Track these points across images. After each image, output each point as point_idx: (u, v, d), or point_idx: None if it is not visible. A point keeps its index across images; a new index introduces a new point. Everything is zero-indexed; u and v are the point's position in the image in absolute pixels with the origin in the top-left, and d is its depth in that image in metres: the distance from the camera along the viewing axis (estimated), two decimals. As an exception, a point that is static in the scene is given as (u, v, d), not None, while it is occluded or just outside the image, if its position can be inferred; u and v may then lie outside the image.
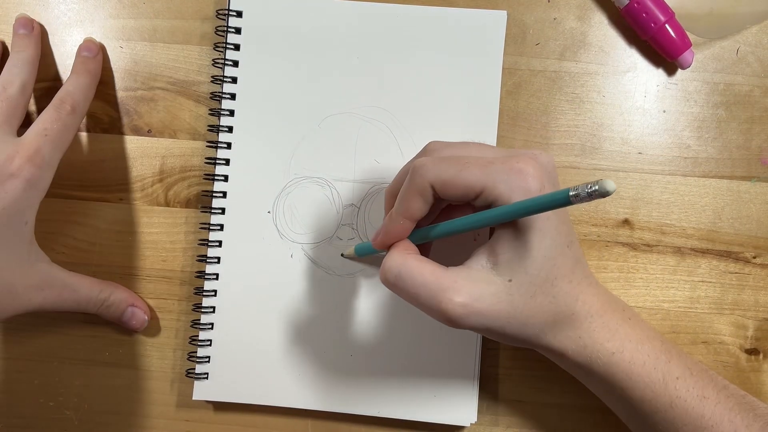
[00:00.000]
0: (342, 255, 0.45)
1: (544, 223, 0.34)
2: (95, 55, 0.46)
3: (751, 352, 0.45)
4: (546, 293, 0.34)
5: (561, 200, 0.29)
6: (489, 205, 0.34)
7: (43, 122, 0.42)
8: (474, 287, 0.34)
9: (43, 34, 0.47)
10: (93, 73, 0.45)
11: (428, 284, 0.34)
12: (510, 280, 0.34)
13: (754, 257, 0.45)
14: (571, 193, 0.28)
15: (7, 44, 0.47)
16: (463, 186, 0.34)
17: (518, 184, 0.33)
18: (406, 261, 0.35)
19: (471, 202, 0.35)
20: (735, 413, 0.35)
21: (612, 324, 0.36)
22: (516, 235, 0.34)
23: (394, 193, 0.38)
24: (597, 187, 0.26)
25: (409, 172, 0.36)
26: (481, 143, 0.37)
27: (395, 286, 0.35)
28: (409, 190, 0.35)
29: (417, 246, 0.37)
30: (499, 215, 0.33)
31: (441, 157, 0.36)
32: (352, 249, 0.44)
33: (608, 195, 0.26)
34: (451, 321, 0.33)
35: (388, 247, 0.37)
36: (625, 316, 0.37)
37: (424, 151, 0.38)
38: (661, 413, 0.36)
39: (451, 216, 0.38)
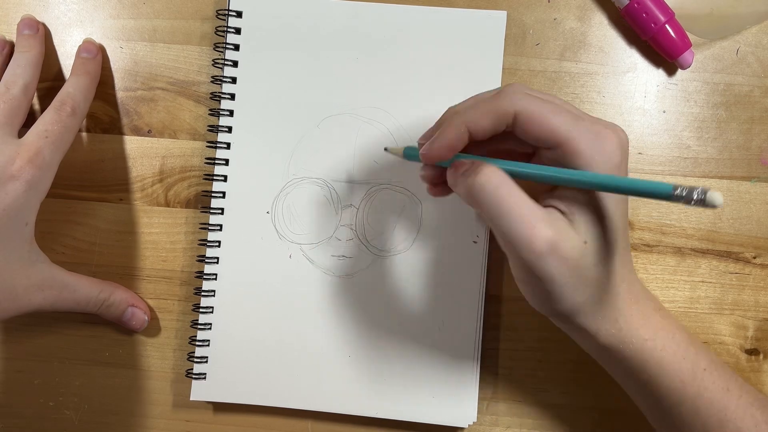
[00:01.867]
0: (385, 149, 0.43)
1: (619, 201, 0.34)
2: (95, 56, 0.46)
3: (751, 352, 0.45)
4: (604, 266, 0.34)
5: (661, 193, 0.28)
6: (563, 158, 0.33)
7: (44, 124, 0.42)
8: (563, 230, 0.32)
9: (47, 35, 0.47)
10: (92, 74, 0.46)
11: (522, 210, 0.31)
12: (585, 242, 0.33)
13: (754, 257, 0.45)
14: (675, 192, 0.27)
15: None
16: (549, 128, 0.33)
17: (604, 148, 0.32)
18: (506, 179, 0.32)
19: (544, 151, 0.34)
20: (755, 408, 0.36)
21: (647, 311, 0.36)
22: (596, 200, 0.33)
23: (458, 111, 0.35)
24: (705, 197, 0.26)
25: (496, 91, 0.34)
26: (571, 104, 0.36)
27: (487, 201, 0.32)
28: (490, 105, 0.33)
29: None
30: (597, 182, 0.32)
31: (536, 94, 0.34)
32: (399, 148, 0.41)
33: (714, 208, 0.26)
34: (531, 253, 0.31)
35: (435, 160, 0.35)
36: (657, 306, 0.37)
37: (515, 82, 0.36)
38: (689, 403, 0.36)
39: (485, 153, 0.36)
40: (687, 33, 0.44)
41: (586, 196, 0.33)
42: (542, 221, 0.32)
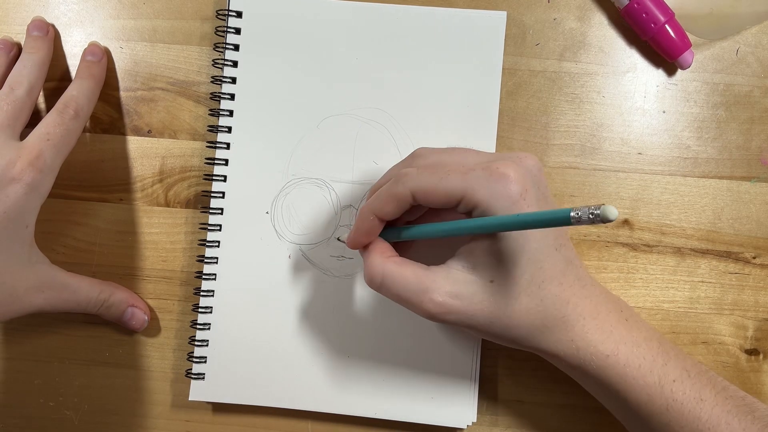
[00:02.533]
0: (338, 239, 0.45)
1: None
2: (100, 59, 0.46)
3: (751, 352, 0.45)
4: (532, 296, 0.34)
5: (561, 220, 0.29)
6: (470, 211, 0.34)
7: (46, 126, 0.42)
8: (452, 287, 0.35)
9: (56, 37, 0.47)
10: (97, 78, 0.45)
11: (409, 285, 0.35)
12: (492, 281, 0.34)
13: (754, 257, 0.45)
14: (572, 214, 0.28)
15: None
16: (444, 194, 0.34)
17: (499, 189, 0.33)
18: (386, 265, 0.36)
19: (454, 209, 0.35)
20: (733, 415, 0.35)
21: (606, 326, 0.36)
22: (497, 239, 0.34)
23: (366, 204, 0.39)
24: (599, 212, 0.26)
25: (393, 177, 0.36)
26: (468, 149, 0.38)
27: (381, 289, 0.37)
28: (388, 193, 0.36)
29: (397, 243, 0.38)
30: (487, 225, 0.33)
31: (425, 164, 0.36)
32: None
33: (610, 222, 0.26)
34: (433, 317, 0.35)
35: (363, 247, 0.38)
36: (623, 317, 0.37)
37: (411, 157, 0.39)
38: (657, 416, 0.36)
39: (437, 216, 0.38)
40: (687, 33, 0.44)
41: (488, 239, 0.34)
42: (428, 291, 0.35)
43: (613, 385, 0.36)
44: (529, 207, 0.33)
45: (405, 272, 0.35)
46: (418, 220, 0.40)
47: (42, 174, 0.41)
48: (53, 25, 0.47)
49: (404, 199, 0.35)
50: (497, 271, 0.34)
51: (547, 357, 0.37)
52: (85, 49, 0.46)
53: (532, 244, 0.34)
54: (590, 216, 0.27)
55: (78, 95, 0.44)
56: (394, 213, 0.36)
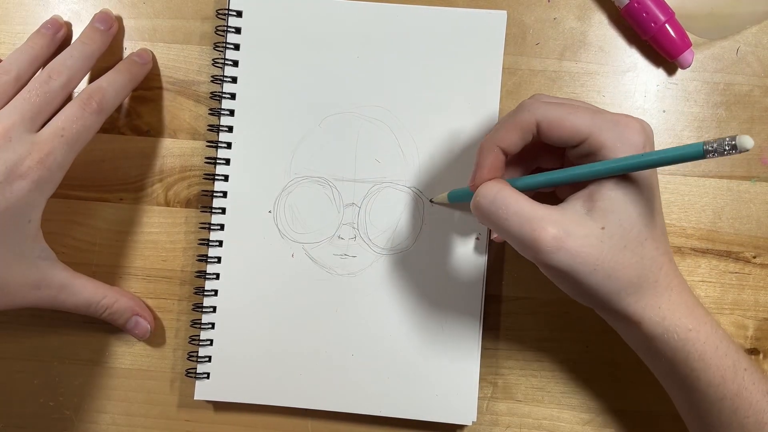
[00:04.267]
0: (431, 201, 0.44)
1: (647, 180, 0.34)
2: (145, 63, 0.45)
3: (751, 352, 0.45)
4: (634, 251, 0.34)
5: (694, 154, 0.28)
6: (590, 153, 0.34)
7: (63, 120, 0.41)
8: (568, 224, 0.33)
9: (118, 32, 0.46)
10: (134, 76, 0.45)
11: (523, 212, 0.33)
12: (603, 228, 0.33)
13: (754, 257, 0.45)
14: (705, 147, 0.27)
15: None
16: (571, 128, 0.34)
17: (626, 135, 0.33)
18: (503, 188, 0.35)
19: (572, 151, 0.35)
20: None
21: (689, 302, 0.36)
22: (617, 185, 0.34)
23: (487, 137, 0.37)
24: (735, 143, 0.26)
25: (515, 110, 0.36)
26: (588, 102, 0.38)
27: (488, 211, 0.34)
28: (512, 122, 0.35)
29: None
30: (623, 165, 0.33)
31: (550, 100, 0.36)
32: (444, 195, 0.43)
33: (746, 151, 0.26)
34: (540, 252, 0.33)
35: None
36: (697, 300, 0.37)
37: (531, 98, 0.38)
38: (728, 400, 0.36)
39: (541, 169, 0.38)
40: (687, 33, 0.44)
41: (609, 184, 0.34)
42: (543, 220, 0.33)
43: (690, 362, 0.36)
44: None
45: (520, 198, 0.34)
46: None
47: (50, 171, 0.40)
48: (120, 19, 0.47)
49: (528, 127, 0.35)
50: (610, 217, 0.34)
51: (626, 323, 0.36)
52: (133, 52, 0.46)
53: (645, 198, 0.34)
54: (727, 146, 0.26)
55: (107, 88, 0.43)
56: (518, 144, 0.35)
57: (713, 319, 0.37)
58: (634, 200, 0.34)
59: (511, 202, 0.34)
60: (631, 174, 0.34)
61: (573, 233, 0.33)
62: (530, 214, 0.33)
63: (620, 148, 0.33)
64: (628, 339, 0.38)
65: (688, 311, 0.36)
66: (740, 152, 0.26)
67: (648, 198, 0.34)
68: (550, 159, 0.39)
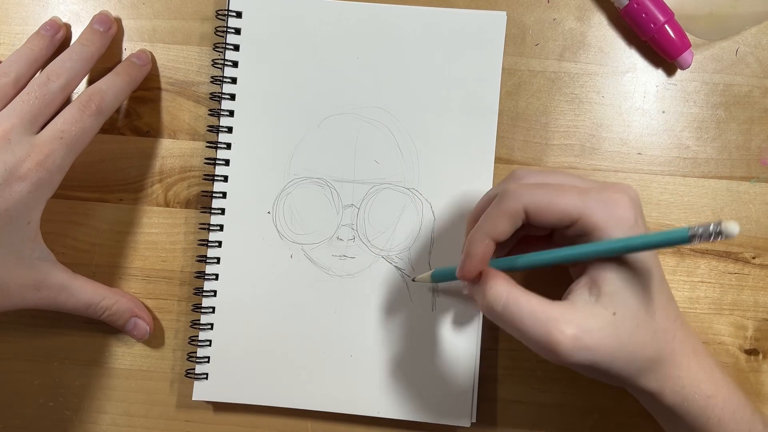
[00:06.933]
0: (413, 280, 0.44)
1: (646, 255, 0.34)
2: (144, 65, 0.45)
3: (751, 352, 0.45)
4: (647, 327, 0.34)
5: (679, 240, 0.28)
6: (582, 234, 0.34)
7: (62, 123, 0.41)
8: (583, 320, 0.33)
9: (117, 34, 0.46)
10: (133, 79, 0.45)
11: (537, 315, 0.32)
12: (614, 314, 0.33)
13: (754, 257, 0.45)
14: (690, 233, 0.27)
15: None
16: (560, 212, 0.33)
17: (617, 214, 0.33)
18: (512, 290, 0.34)
19: (562, 231, 0.35)
20: None
21: (707, 366, 0.36)
22: (619, 267, 0.33)
23: (476, 219, 0.37)
24: (721, 229, 0.26)
25: (497, 196, 0.35)
26: (567, 172, 0.38)
27: (502, 315, 0.34)
28: (500, 211, 0.34)
29: None
30: (611, 249, 0.33)
31: (534, 183, 0.35)
32: (427, 274, 0.43)
33: (732, 237, 0.26)
34: (559, 354, 0.32)
35: (474, 276, 0.36)
36: (715, 361, 0.37)
37: (511, 177, 0.37)
38: None
39: (527, 250, 0.37)
40: (686, 33, 0.44)
41: (609, 266, 0.34)
42: (558, 320, 0.32)
43: (709, 427, 0.35)
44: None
45: (531, 299, 0.33)
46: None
47: (50, 174, 0.40)
48: (119, 21, 0.47)
49: (517, 215, 0.34)
50: (619, 301, 0.33)
51: (647, 396, 0.36)
52: (132, 53, 0.46)
53: (648, 273, 0.34)
54: (711, 233, 0.26)
55: (106, 90, 0.43)
56: (508, 231, 0.35)
57: (730, 380, 0.37)
58: (636, 277, 0.34)
59: (522, 303, 0.33)
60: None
61: (589, 328, 0.32)
62: (544, 315, 0.32)
63: (613, 227, 0.33)
64: (648, 407, 0.38)
65: (707, 376, 0.35)
66: (726, 238, 0.26)
67: (648, 270, 0.34)
68: (529, 231, 0.38)
